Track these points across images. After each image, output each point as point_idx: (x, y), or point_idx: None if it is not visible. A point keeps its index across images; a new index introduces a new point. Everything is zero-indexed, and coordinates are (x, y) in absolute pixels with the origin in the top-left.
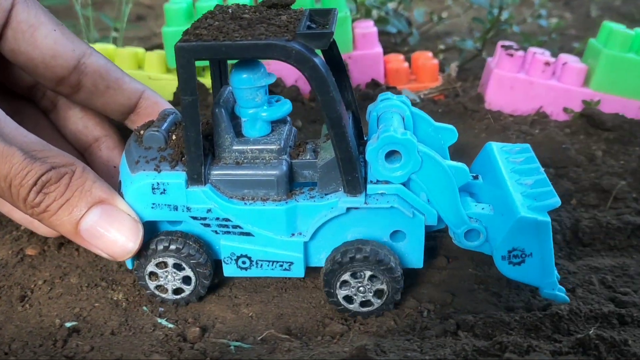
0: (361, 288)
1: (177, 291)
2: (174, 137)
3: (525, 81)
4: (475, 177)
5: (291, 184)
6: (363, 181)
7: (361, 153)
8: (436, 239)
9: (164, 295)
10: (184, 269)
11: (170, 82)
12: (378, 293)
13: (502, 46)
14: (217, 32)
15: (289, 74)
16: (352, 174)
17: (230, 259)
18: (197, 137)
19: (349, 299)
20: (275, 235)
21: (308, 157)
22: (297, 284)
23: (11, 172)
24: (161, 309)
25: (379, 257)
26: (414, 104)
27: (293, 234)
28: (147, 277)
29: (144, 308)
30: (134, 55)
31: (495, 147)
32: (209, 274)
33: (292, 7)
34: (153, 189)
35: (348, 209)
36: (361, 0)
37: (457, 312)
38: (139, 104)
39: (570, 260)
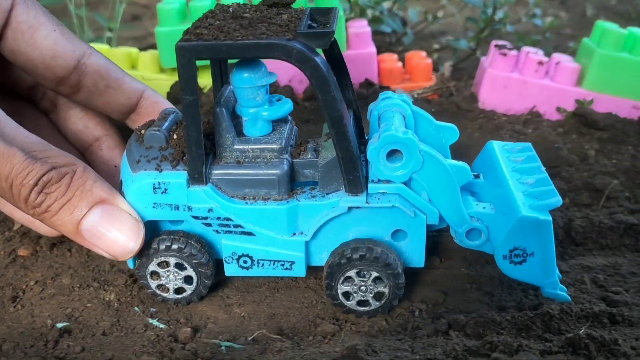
0: (363, 287)
1: (178, 291)
2: (175, 136)
3: (519, 81)
4: (477, 176)
5: (292, 183)
6: (364, 180)
7: (362, 152)
8: (429, 239)
9: (165, 295)
10: (185, 268)
11: (164, 82)
12: (378, 295)
13: (496, 46)
14: (217, 32)
15: (283, 74)
16: (353, 173)
17: (232, 258)
18: (198, 137)
19: (347, 295)
20: (277, 235)
21: (309, 156)
22: (289, 283)
23: (12, 173)
24: (153, 310)
25: (388, 260)
26: None
27: (294, 234)
28: (148, 276)
29: (136, 309)
30: (127, 56)
31: (496, 146)
32: (211, 274)
33: (293, 6)
34: (154, 188)
35: (349, 209)
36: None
37: (449, 311)
38: (139, 103)
39: (563, 259)
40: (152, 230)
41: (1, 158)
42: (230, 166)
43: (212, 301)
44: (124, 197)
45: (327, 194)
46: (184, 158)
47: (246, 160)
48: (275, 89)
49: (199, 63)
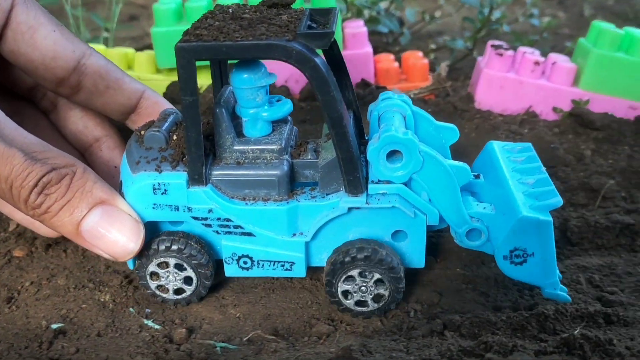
0: (363, 288)
1: (178, 291)
2: (174, 137)
3: (515, 81)
4: (477, 177)
5: (292, 184)
6: (364, 181)
7: (362, 153)
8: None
9: (165, 295)
10: (185, 269)
11: (160, 83)
12: (377, 297)
13: (492, 46)
14: (217, 32)
15: (279, 74)
16: (353, 174)
17: (232, 259)
18: (198, 138)
19: (346, 294)
20: (277, 236)
21: (309, 157)
22: (284, 284)
23: (12, 174)
24: (148, 310)
25: (392, 264)
26: None
27: (294, 234)
28: (148, 277)
29: (131, 309)
30: (123, 56)
31: (496, 146)
32: (211, 275)
33: (293, 6)
34: (154, 189)
35: (349, 209)
36: (351, 0)
37: (444, 312)
38: (139, 104)
39: (559, 259)
40: (152, 231)
41: (1, 159)
42: (230, 167)
43: (207, 302)
44: (124, 198)
45: (327, 194)
46: (184, 159)
47: (246, 161)
48: (271, 89)
49: (197, 63)
